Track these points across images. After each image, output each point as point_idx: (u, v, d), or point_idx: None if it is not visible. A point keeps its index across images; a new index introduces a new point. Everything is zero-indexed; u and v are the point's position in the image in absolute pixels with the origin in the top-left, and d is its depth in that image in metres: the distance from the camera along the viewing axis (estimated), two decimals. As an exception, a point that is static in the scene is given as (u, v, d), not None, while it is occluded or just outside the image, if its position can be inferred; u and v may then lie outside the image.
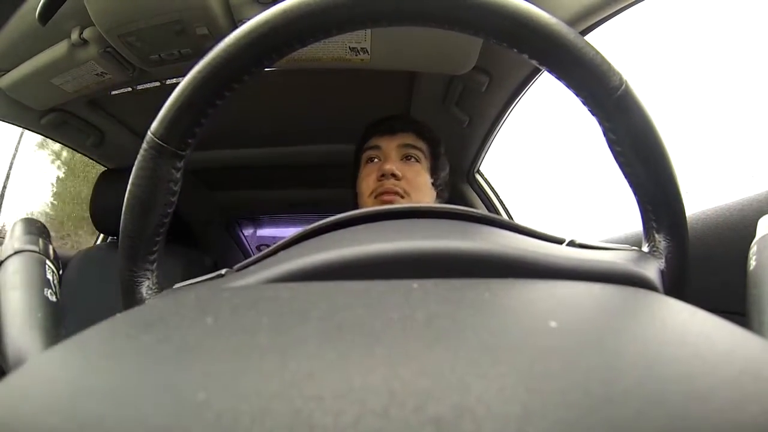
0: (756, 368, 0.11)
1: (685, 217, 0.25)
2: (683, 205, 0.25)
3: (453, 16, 0.22)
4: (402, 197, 0.69)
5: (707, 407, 0.09)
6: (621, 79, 0.23)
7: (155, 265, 0.26)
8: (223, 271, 0.27)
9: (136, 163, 0.25)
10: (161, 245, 0.26)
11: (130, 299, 0.26)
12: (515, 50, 0.23)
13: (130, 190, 0.25)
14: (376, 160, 0.73)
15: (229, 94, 0.24)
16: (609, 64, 0.23)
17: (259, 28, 0.22)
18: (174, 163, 0.25)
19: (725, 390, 0.10)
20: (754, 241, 0.23)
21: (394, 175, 0.69)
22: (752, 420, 0.09)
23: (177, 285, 0.26)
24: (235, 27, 0.23)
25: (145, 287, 0.26)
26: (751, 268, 0.22)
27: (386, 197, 0.68)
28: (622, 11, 0.60)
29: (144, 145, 0.24)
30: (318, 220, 0.28)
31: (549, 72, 0.24)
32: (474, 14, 0.22)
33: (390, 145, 0.73)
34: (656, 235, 0.25)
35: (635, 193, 0.25)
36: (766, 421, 0.09)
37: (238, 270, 0.27)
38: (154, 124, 0.24)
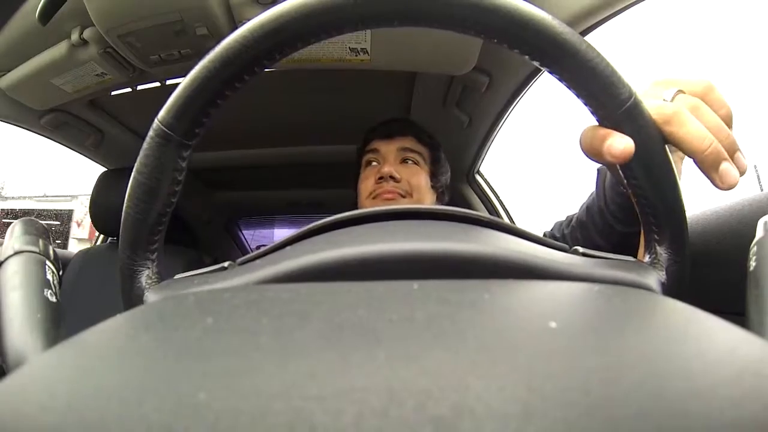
0: (756, 367, 0.11)
1: (686, 231, 0.25)
2: (686, 220, 0.25)
3: (460, 17, 0.22)
4: (403, 197, 0.69)
5: (707, 406, 0.09)
6: (630, 91, 0.23)
7: (156, 255, 0.26)
8: (226, 264, 0.26)
9: (141, 150, 0.24)
10: (162, 236, 0.26)
11: (130, 289, 0.25)
12: (527, 57, 0.23)
13: (134, 177, 0.24)
14: (375, 163, 0.75)
15: (240, 86, 0.24)
16: (619, 76, 0.23)
17: (276, 20, 0.22)
18: (180, 152, 0.24)
19: (725, 388, 0.10)
20: (754, 241, 0.22)
21: (392, 178, 0.69)
22: (752, 418, 0.09)
23: (178, 276, 0.26)
24: (236, 27, 0.23)
25: (145, 277, 0.25)
26: (751, 268, 0.21)
27: (385, 196, 0.69)
28: (622, 11, 0.60)
29: (150, 133, 0.24)
30: (318, 220, 0.28)
31: (558, 79, 0.24)
32: (480, 17, 0.22)
33: (389, 149, 0.74)
34: (658, 248, 0.25)
35: (638, 205, 0.25)
36: (766, 419, 0.09)
37: (241, 264, 0.27)
38: (162, 112, 0.24)
